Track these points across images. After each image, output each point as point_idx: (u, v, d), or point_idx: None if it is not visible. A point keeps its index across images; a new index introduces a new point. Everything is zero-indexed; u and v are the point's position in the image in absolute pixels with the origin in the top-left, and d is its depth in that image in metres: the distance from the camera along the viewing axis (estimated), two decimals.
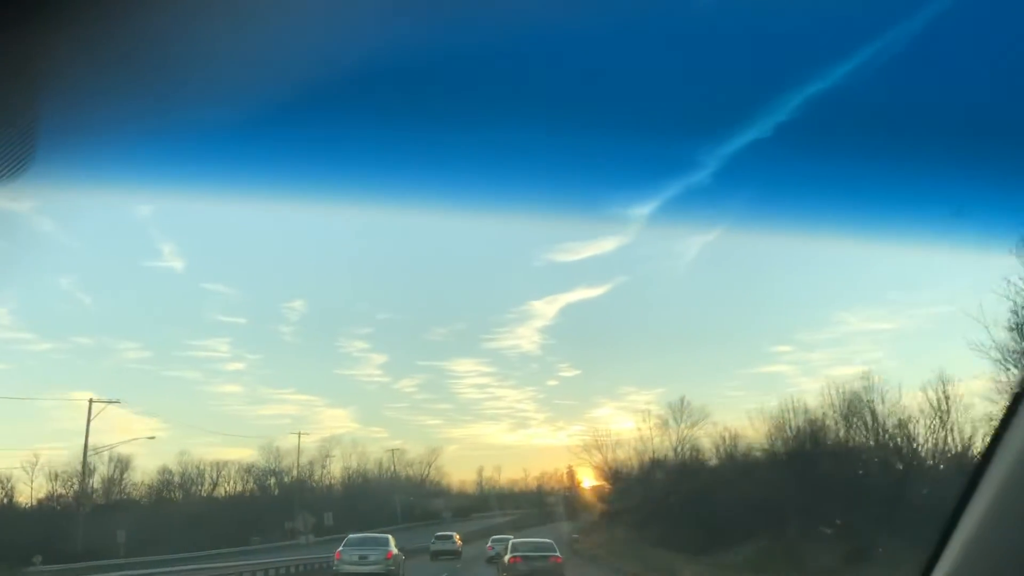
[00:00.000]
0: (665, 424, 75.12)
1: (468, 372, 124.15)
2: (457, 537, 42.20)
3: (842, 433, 33.26)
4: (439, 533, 42.58)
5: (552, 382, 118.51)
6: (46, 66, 2.41)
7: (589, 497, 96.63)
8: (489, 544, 38.91)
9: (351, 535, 27.74)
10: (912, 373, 76.71)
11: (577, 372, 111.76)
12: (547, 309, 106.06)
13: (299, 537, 48.51)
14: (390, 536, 27.66)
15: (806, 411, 37.87)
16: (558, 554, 25.07)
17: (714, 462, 60.74)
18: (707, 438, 68.58)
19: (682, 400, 75.60)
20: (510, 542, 27.59)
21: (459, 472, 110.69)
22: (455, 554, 39.11)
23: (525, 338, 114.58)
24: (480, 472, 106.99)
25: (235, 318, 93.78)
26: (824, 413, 35.67)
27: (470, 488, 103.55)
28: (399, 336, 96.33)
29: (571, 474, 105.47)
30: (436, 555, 39.37)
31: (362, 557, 23.96)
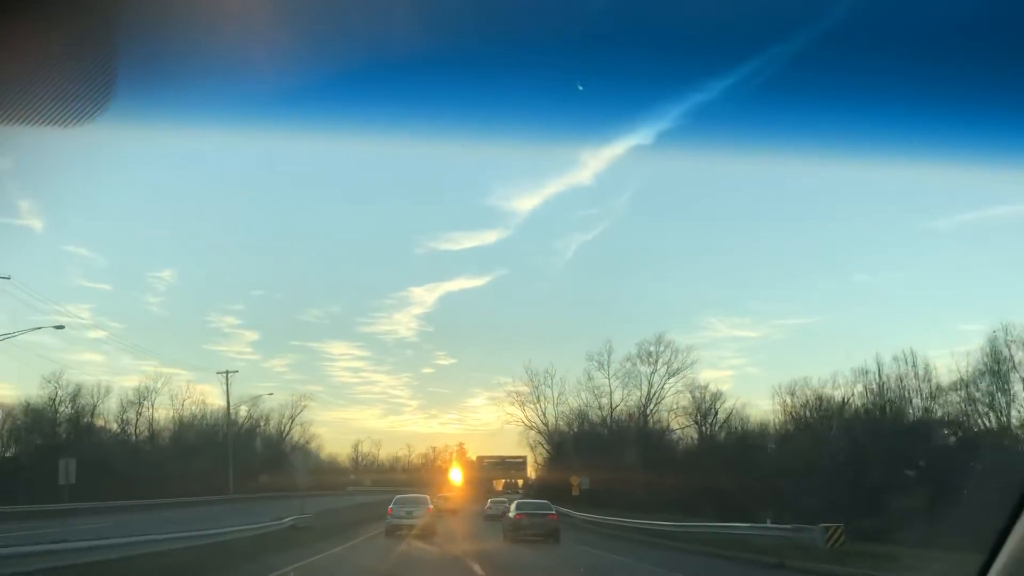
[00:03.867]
0: (634, 369, 58.80)
1: (342, 355, 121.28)
2: (452, 497, 58.57)
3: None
4: (440, 495, 53.24)
5: (427, 370, 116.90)
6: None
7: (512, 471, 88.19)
8: (488, 504, 49.50)
9: (399, 496, 34.39)
10: (771, 380, 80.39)
11: (453, 361, 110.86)
12: (427, 296, 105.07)
13: None
14: (428, 496, 35.71)
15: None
16: (554, 512, 30.43)
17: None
18: (687, 391, 54.12)
19: (659, 339, 59.11)
20: (514, 503, 33.64)
21: (330, 448, 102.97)
22: (453, 512, 50.23)
23: (402, 324, 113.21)
24: (356, 446, 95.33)
25: (99, 284, 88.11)
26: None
27: (344, 461, 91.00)
28: (272, 314, 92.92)
29: (462, 451, 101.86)
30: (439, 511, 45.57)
31: (408, 512, 30.86)
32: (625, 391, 60.55)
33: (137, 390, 60.68)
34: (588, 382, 62.81)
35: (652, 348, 58.66)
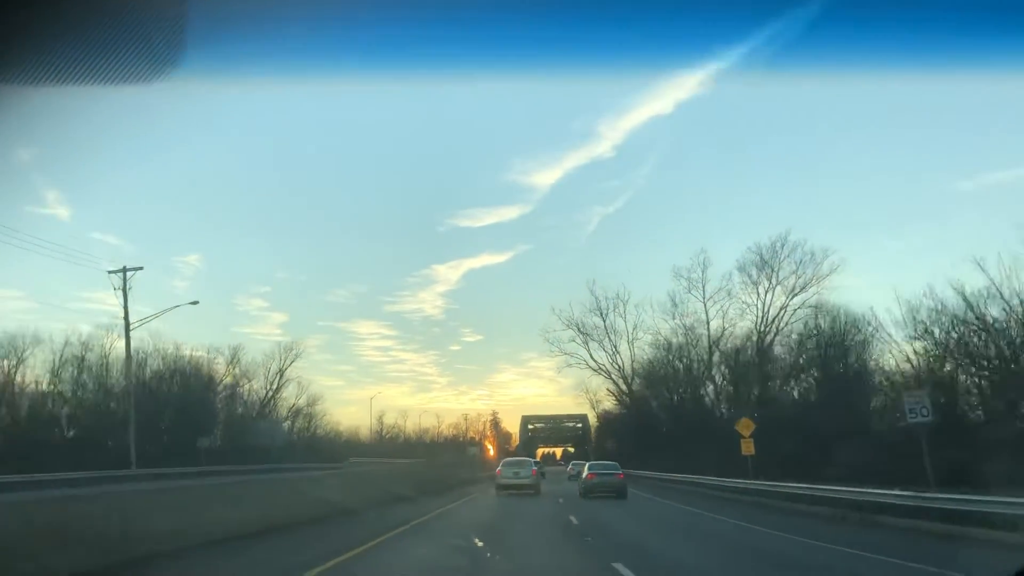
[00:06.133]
0: (751, 282, 44.91)
1: (370, 334, 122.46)
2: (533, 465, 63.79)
3: None
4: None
5: (455, 347, 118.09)
6: None
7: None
8: (569, 467, 57.42)
9: (507, 459, 39.47)
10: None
11: (480, 337, 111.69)
12: (450, 274, 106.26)
13: None
14: (531, 460, 40.95)
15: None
16: (621, 472, 34.29)
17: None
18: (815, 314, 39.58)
19: (779, 242, 43.27)
20: (586, 464, 39.28)
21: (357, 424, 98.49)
22: (542, 475, 52.78)
23: (428, 302, 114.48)
24: (380, 418, 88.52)
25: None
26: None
27: (364, 433, 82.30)
28: (299, 295, 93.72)
29: (495, 420, 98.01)
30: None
31: (515, 473, 35.07)
32: (725, 320, 47.71)
33: (80, 339, 47.52)
34: (674, 308, 50.30)
35: (766, 256, 44.79)
